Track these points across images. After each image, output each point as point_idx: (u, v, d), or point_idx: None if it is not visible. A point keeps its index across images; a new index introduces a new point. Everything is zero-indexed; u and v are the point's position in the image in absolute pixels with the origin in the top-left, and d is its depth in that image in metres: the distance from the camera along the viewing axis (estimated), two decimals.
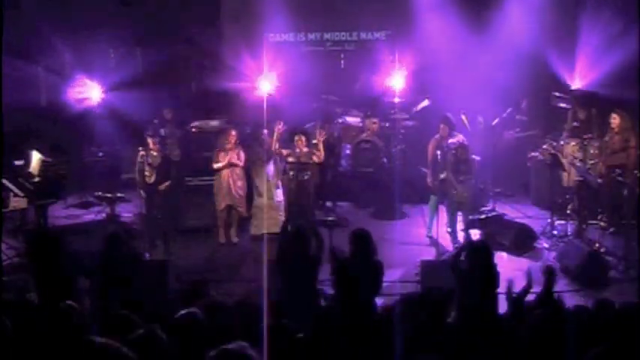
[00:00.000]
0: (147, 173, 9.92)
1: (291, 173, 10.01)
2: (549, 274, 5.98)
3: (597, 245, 9.32)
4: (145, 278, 7.16)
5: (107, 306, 5.00)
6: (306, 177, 10.03)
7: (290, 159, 10.05)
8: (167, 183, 10.09)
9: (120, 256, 6.93)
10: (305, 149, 10.11)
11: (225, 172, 10.33)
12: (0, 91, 9.81)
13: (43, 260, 6.75)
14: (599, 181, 10.02)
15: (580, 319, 5.06)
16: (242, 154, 10.46)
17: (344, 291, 6.38)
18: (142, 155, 10.00)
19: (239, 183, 10.39)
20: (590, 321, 5.06)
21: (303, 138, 10.14)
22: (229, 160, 10.29)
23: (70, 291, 6.60)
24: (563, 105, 12.06)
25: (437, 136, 10.55)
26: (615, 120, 9.98)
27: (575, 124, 11.12)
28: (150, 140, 10.10)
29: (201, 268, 9.61)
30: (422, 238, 10.52)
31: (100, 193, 11.95)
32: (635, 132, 9.97)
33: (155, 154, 10.05)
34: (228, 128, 10.98)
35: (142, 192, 10.07)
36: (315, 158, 10.07)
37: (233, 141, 10.38)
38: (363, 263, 6.50)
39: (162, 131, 11.44)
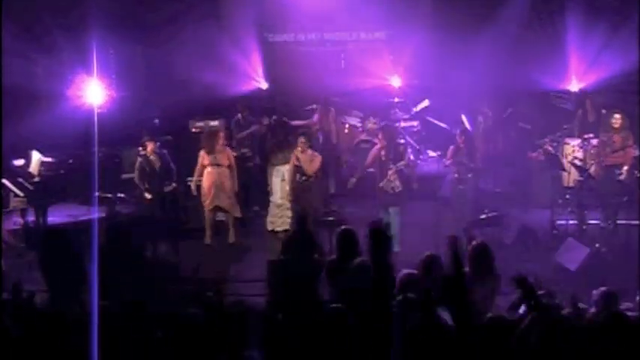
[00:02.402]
0: (147, 181, 10.00)
1: (296, 175, 10.02)
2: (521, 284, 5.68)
3: (597, 245, 9.32)
4: (145, 278, 7.16)
5: (107, 306, 4.98)
6: (306, 178, 10.04)
7: (294, 161, 10.07)
8: (173, 185, 10.15)
9: (120, 250, 6.94)
10: (307, 151, 10.12)
11: (213, 173, 10.25)
12: (0, 90, 9.85)
13: (53, 259, 6.79)
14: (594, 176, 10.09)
15: (580, 320, 5.06)
16: (230, 155, 10.46)
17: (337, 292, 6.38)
18: (140, 161, 10.07)
19: (227, 184, 10.33)
20: (590, 321, 5.05)
21: (304, 139, 10.15)
22: (217, 161, 10.26)
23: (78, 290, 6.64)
24: (563, 105, 12.11)
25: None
26: (618, 119, 10.13)
27: (575, 123, 11.17)
28: (148, 144, 10.12)
29: (201, 269, 9.62)
30: (422, 236, 10.50)
31: (99, 193, 11.93)
32: (633, 131, 10.10)
33: (152, 158, 10.08)
34: (216, 129, 11.01)
35: (146, 194, 10.12)
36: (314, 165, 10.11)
37: (221, 142, 10.39)
38: (349, 263, 6.51)
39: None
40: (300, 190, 10.00)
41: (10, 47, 11.13)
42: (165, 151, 10.55)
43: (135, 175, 10.32)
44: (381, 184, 9.79)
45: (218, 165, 10.26)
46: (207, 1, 14.22)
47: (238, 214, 10.58)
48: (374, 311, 5.14)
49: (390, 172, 9.71)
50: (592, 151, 10.48)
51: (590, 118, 11.10)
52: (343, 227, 6.91)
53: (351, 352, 4.51)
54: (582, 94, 11.97)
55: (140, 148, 10.69)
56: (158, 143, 10.49)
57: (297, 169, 10.01)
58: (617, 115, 10.20)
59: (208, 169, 10.27)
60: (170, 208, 10.36)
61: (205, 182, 10.30)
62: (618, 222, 9.91)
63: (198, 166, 10.40)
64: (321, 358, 4.49)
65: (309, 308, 5.92)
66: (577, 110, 11.54)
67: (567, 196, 10.58)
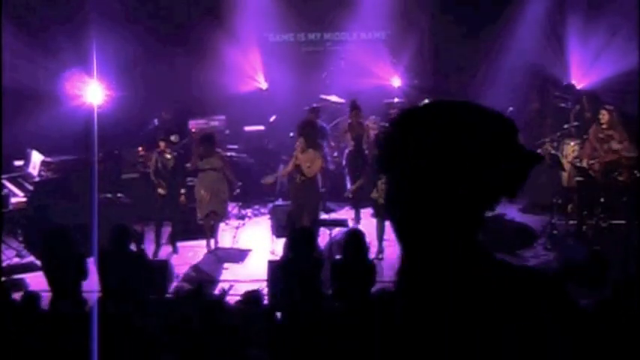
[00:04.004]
0: (161, 178, 9.98)
1: (296, 175, 9.99)
2: None
3: (597, 245, 9.33)
4: (147, 278, 7.18)
5: (107, 305, 4.99)
6: (305, 179, 10.01)
7: (295, 160, 10.01)
8: (183, 191, 10.03)
9: (125, 253, 6.96)
10: (308, 152, 10.08)
11: (207, 178, 10.08)
12: (0, 91, 9.86)
13: (54, 258, 6.81)
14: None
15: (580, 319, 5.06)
16: (224, 158, 10.36)
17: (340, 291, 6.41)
18: (155, 158, 10.03)
19: (222, 188, 10.17)
20: (590, 321, 5.05)
21: (304, 139, 10.11)
22: (211, 165, 10.08)
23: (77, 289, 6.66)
24: (563, 105, 12.11)
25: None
26: (604, 116, 10.02)
27: (575, 123, 11.16)
28: (162, 144, 10.07)
29: (202, 269, 9.65)
30: None
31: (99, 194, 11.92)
32: (626, 128, 10.05)
33: (169, 157, 10.03)
34: (211, 132, 10.97)
35: (159, 190, 10.04)
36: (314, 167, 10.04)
37: (216, 145, 10.31)
38: (356, 264, 6.55)
39: (173, 137, 11.26)
40: (298, 189, 9.96)
41: (10, 47, 11.13)
42: (179, 151, 10.45)
43: (150, 171, 10.22)
44: (372, 195, 9.63)
45: (212, 169, 10.09)
46: (208, 1, 14.23)
47: (224, 220, 10.51)
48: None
49: (379, 182, 9.52)
50: (587, 150, 10.43)
51: (587, 117, 11.09)
52: (351, 228, 6.96)
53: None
54: (580, 92, 11.97)
55: (140, 148, 10.68)
56: (170, 142, 10.38)
57: (297, 169, 9.98)
58: (604, 111, 10.09)
59: (202, 173, 10.12)
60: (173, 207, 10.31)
61: (199, 187, 10.14)
62: (617, 222, 9.92)
63: (189, 167, 10.29)
64: (322, 357, 4.49)
65: (310, 307, 5.94)
66: (574, 108, 11.54)
67: (567, 196, 10.59)
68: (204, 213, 10.18)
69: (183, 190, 10.04)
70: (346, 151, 11.36)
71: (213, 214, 10.21)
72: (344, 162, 11.35)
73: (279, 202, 10.93)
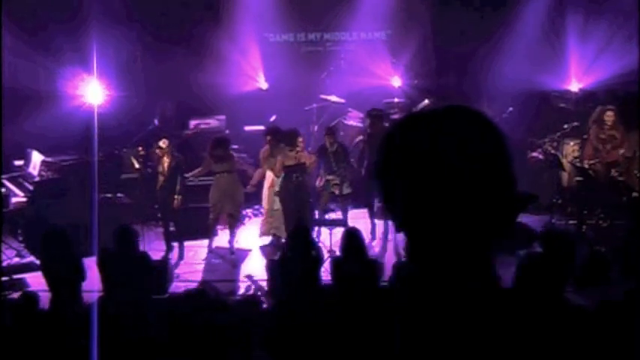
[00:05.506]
0: (160, 179, 9.95)
1: (293, 175, 9.98)
2: None
3: (597, 245, 9.32)
4: (147, 278, 7.18)
5: (107, 305, 5.00)
6: (302, 178, 10.04)
7: (289, 161, 10.00)
8: (180, 197, 9.98)
9: (128, 253, 6.96)
10: (305, 150, 10.13)
11: (223, 181, 10.06)
12: (0, 91, 9.86)
13: (53, 259, 6.81)
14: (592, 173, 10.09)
15: (580, 319, 5.06)
16: (236, 160, 10.36)
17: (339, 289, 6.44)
18: (156, 164, 10.03)
19: (237, 191, 10.17)
20: (590, 321, 5.05)
21: (301, 139, 10.14)
22: (226, 167, 10.06)
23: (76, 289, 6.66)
24: (563, 105, 12.12)
25: None
26: (610, 117, 10.07)
27: (575, 123, 11.16)
28: (158, 149, 10.06)
29: (202, 268, 9.65)
30: None
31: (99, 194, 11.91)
32: (623, 128, 10.08)
33: (167, 160, 10.01)
34: (225, 136, 10.96)
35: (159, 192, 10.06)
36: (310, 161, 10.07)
37: (229, 148, 10.31)
38: (356, 262, 6.58)
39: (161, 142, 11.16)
40: (296, 188, 9.97)
41: (10, 47, 11.12)
42: (177, 154, 10.42)
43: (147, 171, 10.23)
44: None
45: (227, 172, 10.04)
46: (208, 1, 14.23)
47: (237, 220, 10.51)
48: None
49: None
50: (587, 150, 10.43)
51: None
52: (349, 227, 7.00)
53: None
54: (593, 93, 11.98)
55: (140, 148, 10.67)
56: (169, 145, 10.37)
57: (295, 168, 9.98)
58: (610, 112, 10.15)
59: (217, 176, 10.09)
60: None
61: (214, 190, 10.11)
62: (617, 222, 9.92)
63: (201, 171, 10.30)
64: (322, 356, 4.49)
65: (309, 305, 5.94)
66: (582, 109, 11.51)
67: (567, 196, 10.60)
68: (217, 215, 10.17)
69: (177, 196, 9.95)
70: (365, 162, 10.84)
71: (228, 216, 10.21)
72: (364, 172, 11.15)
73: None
